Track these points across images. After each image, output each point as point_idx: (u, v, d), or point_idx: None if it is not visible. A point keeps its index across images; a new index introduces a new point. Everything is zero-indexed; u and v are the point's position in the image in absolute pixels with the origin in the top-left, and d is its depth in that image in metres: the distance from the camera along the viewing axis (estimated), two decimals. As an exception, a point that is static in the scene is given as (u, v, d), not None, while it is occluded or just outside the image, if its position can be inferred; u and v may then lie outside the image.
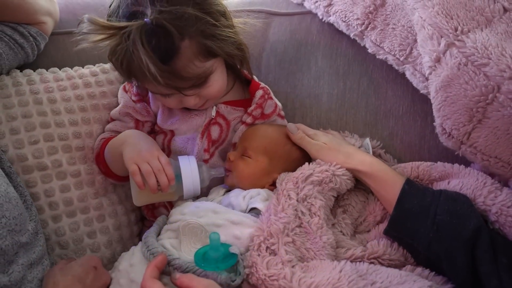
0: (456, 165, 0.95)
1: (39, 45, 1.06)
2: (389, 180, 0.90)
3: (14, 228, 0.78)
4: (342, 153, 0.95)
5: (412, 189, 0.87)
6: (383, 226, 0.90)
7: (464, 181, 0.89)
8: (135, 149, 0.87)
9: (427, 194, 0.86)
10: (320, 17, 1.15)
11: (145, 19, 0.79)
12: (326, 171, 0.90)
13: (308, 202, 0.86)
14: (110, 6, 0.87)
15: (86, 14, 0.83)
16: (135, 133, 0.95)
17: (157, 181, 0.85)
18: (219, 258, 0.77)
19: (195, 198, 0.95)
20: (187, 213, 0.87)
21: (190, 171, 0.88)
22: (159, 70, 0.80)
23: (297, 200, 0.85)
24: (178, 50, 0.83)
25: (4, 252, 0.75)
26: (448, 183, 0.92)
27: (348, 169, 0.92)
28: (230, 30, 0.89)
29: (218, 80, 0.94)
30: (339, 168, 0.91)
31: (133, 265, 0.83)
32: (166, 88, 0.86)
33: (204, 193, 0.95)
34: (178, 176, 0.88)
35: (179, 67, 0.84)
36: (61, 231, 0.95)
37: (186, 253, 0.82)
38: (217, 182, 1.00)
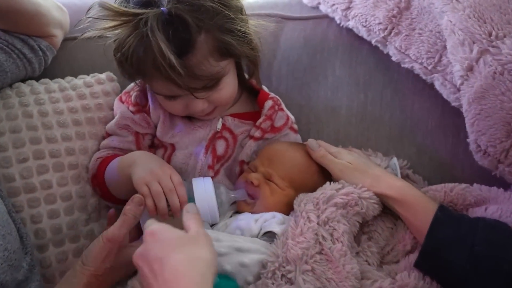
0: (494, 188, 0.95)
1: (47, 60, 1.09)
2: (420, 206, 0.90)
3: (14, 263, 0.79)
4: (369, 175, 0.95)
5: (446, 216, 0.87)
6: (414, 256, 0.89)
7: (503, 207, 0.89)
8: (146, 168, 0.88)
9: (463, 222, 0.86)
10: (338, 22, 1.17)
11: (162, 8, 0.82)
12: (352, 193, 0.90)
13: (330, 226, 0.86)
14: None
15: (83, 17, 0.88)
16: (145, 154, 0.97)
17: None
18: None
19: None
20: None
21: (204, 192, 0.88)
22: (177, 61, 0.82)
23: (317, 223, 0.85)
24: (194, 44, 0.85)
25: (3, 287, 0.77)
26: (485, 209, 0.91)
27: (375, 194, 0.93)
28: (247, 26, 0.93)
29: (230, 84, 0.96)
30: (365, 191, 0.92)
31: None
32: (176, 87, 0.88)
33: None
34: (192, 200, 0.87)
35: (193, 64, 0.86)
36: (47, 262, 0.95)
37: None
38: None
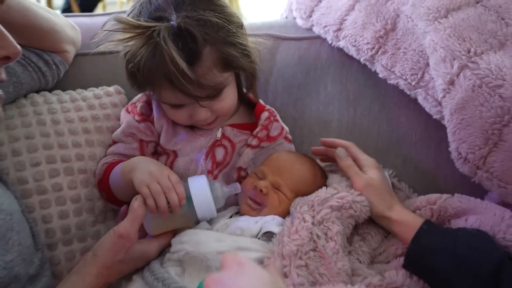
0: (472, 199, 0.97)
1: (60, 74, 1.10)
2: (413, 225, 0.91)
3: (26, 258, 0.81)
4: (385, 201, 0.96)
5: (431, 228, 0.90)
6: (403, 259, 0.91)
7: (481, 217, 0.91)
8: (145, 171, 0.90)
9: (445, 232, 0.89)
10: (330, 42, 1.20)
11: (172, 22, 0.86)
12: (346, 197, 0.92)
13: (324, 226, 0.88)
14: (128, 14, 0.93)
15: (96, 33, 0.92)
16: (144, 159, 0.99)
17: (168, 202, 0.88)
18: None
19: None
20: (186, 241, 0.88)
21: (200, 188, 0.89)
22: (187, 67, 0.85)
23: (312, 223, 0.87)
24: (201, 56, 0.89)
25: (17, 279, 0.77)
26: (466, 220, 0.93)
27: (379, 215, 0.95)
28: (247, 40, 0.97)
29: (230, 95, 1.00)
30: (358, 195, 0.94)
31: None
32: (183, 95, 0.91)
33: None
34: (190, 199, 0.89)
35: (199, 74, 0.89)
36: (56, 260, 0.96)
37: (189, 281, 0.84)
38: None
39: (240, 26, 0.98)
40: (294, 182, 1.00)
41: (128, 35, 0.87)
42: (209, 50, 0.90)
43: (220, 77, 0.94)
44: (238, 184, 0.95)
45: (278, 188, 0.98)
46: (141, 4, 0.93)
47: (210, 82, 0.92)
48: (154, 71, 0.89)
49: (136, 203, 0.86)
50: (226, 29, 0.92)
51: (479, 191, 0.99)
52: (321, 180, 1.05)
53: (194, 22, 0.88)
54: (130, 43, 0.88)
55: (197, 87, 0.90)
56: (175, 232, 0.95)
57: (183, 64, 0.84)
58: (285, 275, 0.80)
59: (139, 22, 0.87)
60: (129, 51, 0.91)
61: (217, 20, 0.90)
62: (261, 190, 0.96)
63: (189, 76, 0.86)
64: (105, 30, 0.91)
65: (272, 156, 1.05)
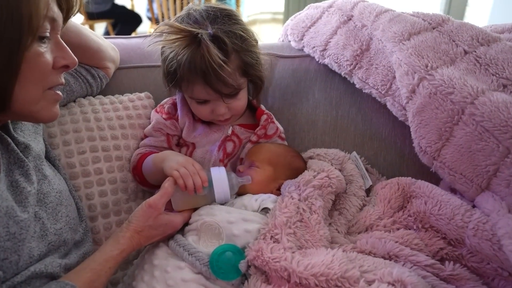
0: (431, 186, 0.95)
1: (103, 85, 1.11)
2: None
3: (73, 227, 0.81)
4: None
5: None
6: (371, 232, 0.92)
7: (442, 202, 0.90)
8: (174, 161, 0.90)
9: None
10: (317, 60, 1.20)
11: (209, 31, 0.88)
12: (325, 177, 0.93)
13: (309, 202, 0.88)
14: None
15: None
16: (172, 152, 0.99)
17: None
18: (232, 263, 0.81)
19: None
20: (203, 214, 0.88)
21: (219, 175, 0.89)
22: (223, 61, 0.87)
23: (299, 200, 0.87)
24: (229, 59, 0.90)
25: (65, 243, 0.78)
26: (425, 203, 0.93)
27: None
28: (260, 53, 1.00)
29: (244, 97, 1.01)
30: (332, 171, 0.95)
31: (156, 254, 0.85)
32: (212, 91, 0.92)
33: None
34: (211, 183, 0.89)
35: (226, 74, 0.90)
36: (97, 229, 0.97)
37: (203, 246, 0.84)
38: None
39: (256, 41, 0.99)
40: (263, 155, 1.00)
41: (175, 36, 0.88)
42: (234, 56, 0.92)
43: (240, 80, 0.95)
44: (249, 176, 0.96)
45: (253, 165, 0.99)
46: (182, 17, 0.94)
47: (233, 82, 0.93)
48: (193, 69, 0.89)
49: (167, 183, 0.86)
50: (248, 41, 0.94)
51: (434, 179, 0.99)
52: (295, 155, 1.05)
53: (225, 33, 0.90)
54: (175, 44, 0.89)
55: (223, 84, 0.91)
56: (194, 210, 0.95)
57: (219, 59, 0.86)
58: (277, 241, 0.81)
59: (185, 27, 0.88)
60: (173, 51, 0.91)
61: (241, 33, 0.92)
62: (239, 170, 0.99)
63: (225, 68, 0.87)
64: (157, 32, 0.92)
65: (249, 148, 1.06)
